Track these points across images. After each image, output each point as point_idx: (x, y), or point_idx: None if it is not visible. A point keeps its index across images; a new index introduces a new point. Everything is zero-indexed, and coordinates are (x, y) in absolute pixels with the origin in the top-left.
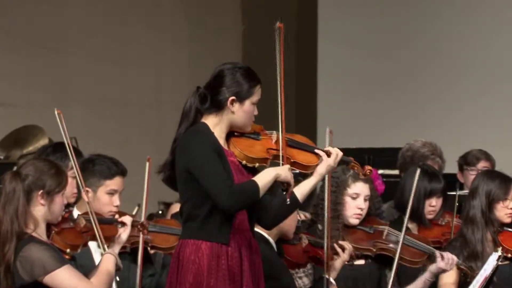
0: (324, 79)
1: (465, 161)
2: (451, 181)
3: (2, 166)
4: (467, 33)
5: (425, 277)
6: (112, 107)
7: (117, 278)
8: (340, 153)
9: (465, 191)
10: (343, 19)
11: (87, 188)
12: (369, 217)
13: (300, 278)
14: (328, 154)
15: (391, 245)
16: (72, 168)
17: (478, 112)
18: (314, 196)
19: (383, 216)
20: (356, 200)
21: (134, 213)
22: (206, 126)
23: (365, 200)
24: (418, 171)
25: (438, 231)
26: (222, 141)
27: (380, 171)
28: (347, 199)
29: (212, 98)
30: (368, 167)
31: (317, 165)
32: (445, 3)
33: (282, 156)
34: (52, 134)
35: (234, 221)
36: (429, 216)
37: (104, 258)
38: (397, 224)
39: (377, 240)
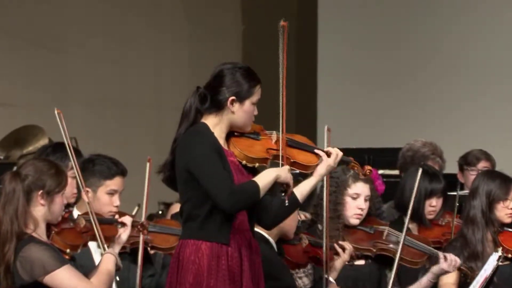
0: (324, 79)
1: (466, 161)
2: (451, 181)
3: (2, 166)
4: (467, 33)
5: (427, 278)
6: (112, 107)
7: (117, 278)
8: (340, 153)
9: (466, 191)
10: (343, 19)
11: (87, 188)
12: (369, 218)
13: (300, 278)
14: (328, 154)
15: (391, 245)
16: (72, 168)
17: (478, 112)
18: (314, 196)
19: (384, 216)
20: (356, 200)
21: (134, 213)
22: (206, 126)
23: (365, 200)
24: (420, 171)
25: (438, 231)
26: (222, 141)
27: (380, 171)
28: (348, 199)
29: (212, 98)
30: (368, 167)
31: (317, 165)
32: (445, 3)
33: (282, 156)
34: (52, 134)
35: (234, 221)
36: (429, 216)
37: (104, 257)
38: (397, 224)
39: (377, 240)
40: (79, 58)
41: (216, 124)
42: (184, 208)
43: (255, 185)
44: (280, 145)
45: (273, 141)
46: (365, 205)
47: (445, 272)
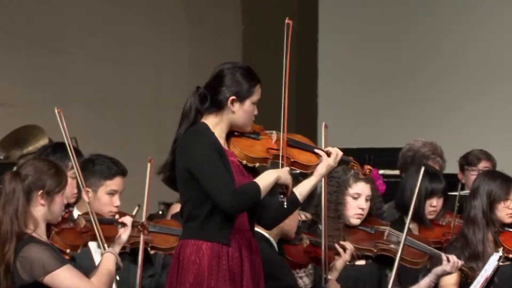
0: (324, 79)
1: (466, 161)
2: (452, 181)
3: (2, 166)
4: (467, 33)
5: (429, 279)
6: (112, 107)
7: (117, 278)
8: (340, 153)
9: (466, 191)
10: (343, 19)
11: (87, 188)
12: (370, 218)
13: (301, 278)
14: (328, 154)
15: (392, 245)
16: (72, 168)
17: (478, 112)
18: (315, 196)
19: (384, 216)
20: (357, 200)
21: (134, 213)
22: (206, 126)
23: (366, 200)
24: (422, 169)
25: (439, 232)
26: (222, 141)
27: (381, 171)
28: (348, 199)
29: (212, 98)
30: (367, 167)
31: (317, 164)
32: (445, 3)
33: (282, 156)
34: (52, 134)
35: (234, 221)
36: (430, 217)
37: (105, 257)
38: (397, 224)
39: (378, 240)
40: (79, 58)
41: (216, 124)
42: (184, 208)
43: (256, 186)
44: (281, 145)
45: (273, 140)
46: (366, 205)
47: (447, 273)
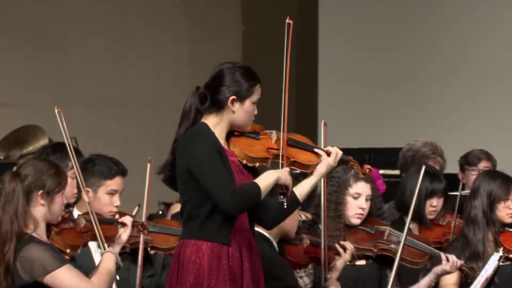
0: (324, 79)
1: (466, 161)
2: (452, 181)
3: (2, 166)
4: (467, 33)
5: (429, 278)
6: (112, 107)
7: (117, 277)
8: (340, 152)
9: (466, 191)
10: (343, 19)
11: (87, 188)
12: (370, 218)
13: (301, 277)
14: (328, 153)
15: (392, 245)
16: (72, 168)
17: (478, 112)
18: (315, 196)
19: (384, 216)
20: (357, 200)
21: (134, 213)
22: (206, 126)
23: (366, 200)
24: (423, 169)
25: (439, 232)
26: (222, 141)
27: (381, 171)
28: (349, 199)
29: (212, 98)
30: (367, 166)
31: (317, 164)
32: (445, 3)
33: (282, 155)
34: (52, 134)
35: (234, 221)
36: (430, 217)
37: (105, 257)
38: (398, 224)
39: (378, 240)
40: (79, 58)
41: (216, 124)
42: (184, 208)
43: (257, 186)
44: (281, 145)
45: (273, 140)
46: (366, 205)
47: (447, 272)
